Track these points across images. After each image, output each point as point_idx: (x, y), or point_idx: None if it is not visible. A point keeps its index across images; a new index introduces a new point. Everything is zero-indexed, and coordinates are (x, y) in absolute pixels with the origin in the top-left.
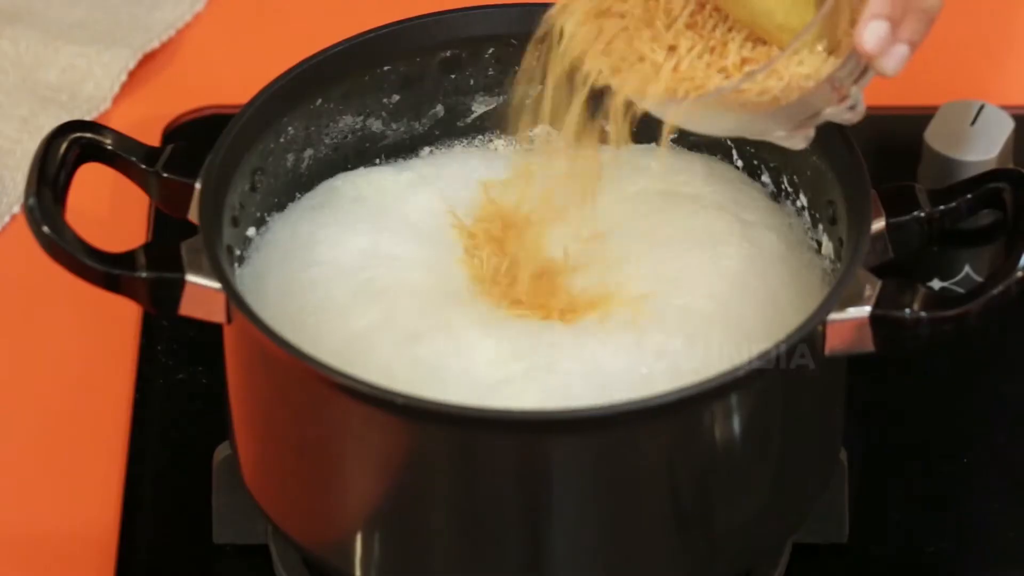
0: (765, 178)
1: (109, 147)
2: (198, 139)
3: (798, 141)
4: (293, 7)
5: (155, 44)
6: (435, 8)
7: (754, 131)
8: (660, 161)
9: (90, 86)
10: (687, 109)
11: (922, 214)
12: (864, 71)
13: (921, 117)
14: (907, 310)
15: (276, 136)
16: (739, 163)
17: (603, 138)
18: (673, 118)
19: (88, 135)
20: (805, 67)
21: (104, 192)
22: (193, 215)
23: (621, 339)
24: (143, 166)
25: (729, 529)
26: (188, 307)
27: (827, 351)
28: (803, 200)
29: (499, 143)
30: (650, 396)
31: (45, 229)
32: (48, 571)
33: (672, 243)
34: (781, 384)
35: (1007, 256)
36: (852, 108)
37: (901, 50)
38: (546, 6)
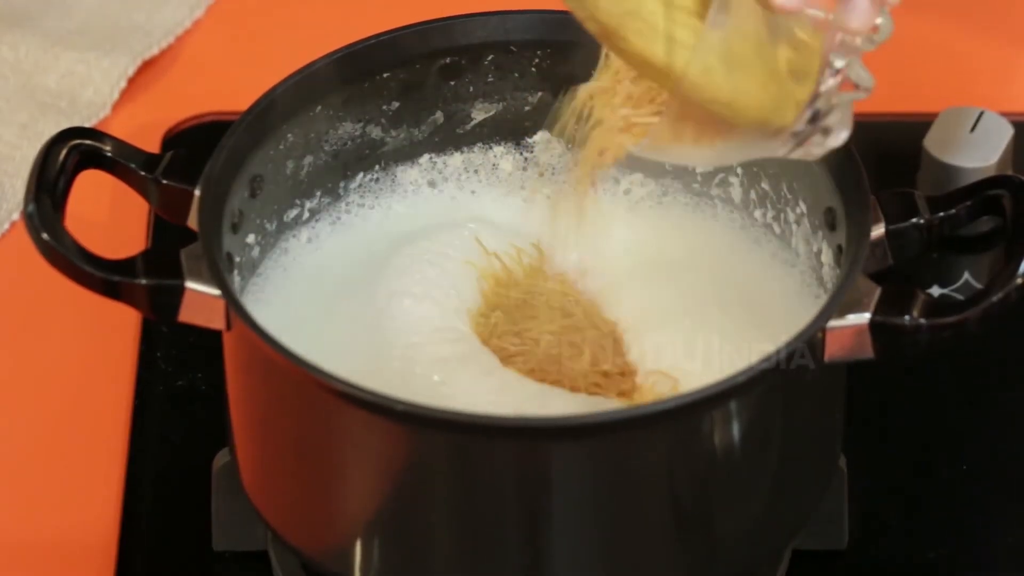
0: (765, 184)
1: (108, 154)
2: (198, 146)
3: (834, 138)
4: (293, 14)
5: (155, 51)
6: (434, 15)
7: (773, 148)
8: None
9: (90, 92)
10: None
11: (921, 221)
12: (843, 44)
13: (920, 124)
14: (906, 317)
15: (275, 143)
16: (739, 170)
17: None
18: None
19: (87, 142)
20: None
21: (103, 199)
22: (193, 222)
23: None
24: (142, 173)
25: (729, 535)
26: (187, 314)
27: (826, 358)
28: (802, 207)
29: (499, 149)
30: (649, 403)
31: (44, 236)
32: None
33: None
34: (780, 391)
35: (1006, 263)
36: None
37: (860, 3)
38: (545, 12)
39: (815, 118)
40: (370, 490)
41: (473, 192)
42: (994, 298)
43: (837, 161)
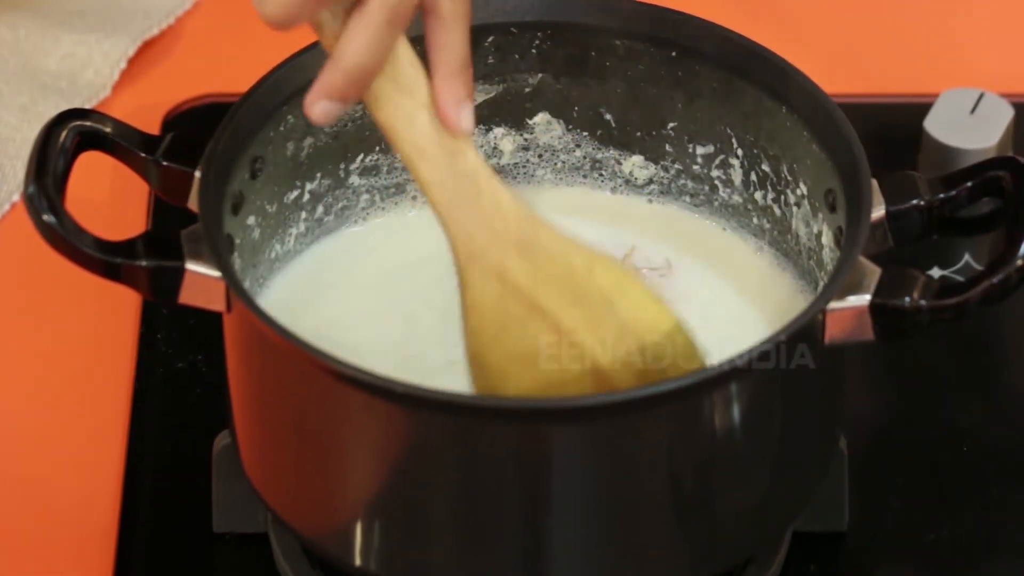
0: (765, 166)
1: (109, 135)
2: (198, 127)
3: None
4: None
5: (155, 31)
6: None
7: None
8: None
9: (90, 73)
10: None
11: (922, 202)
12: None
13: (921, 105)
14: (907, 299)
15: (276, 124)
16: (739, 151)
17: None
18: None
19: (88, 123)
20: None
21: (104, 180)
22: (193, 203)
23: None
24: (143, 154)
25: (729, 517)
26: (188, 295)
27: (827, 340)
28: (803, 188)
29: (499, 131)
30: (650, 385)
31: (45, 217)
32: (48, 559)
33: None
34: (781, 373)
35: (1007, 244)
36: None
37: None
38: None
39: None
40: (370, 472)
41: None
42: (994, 280)
43: (838, 143)
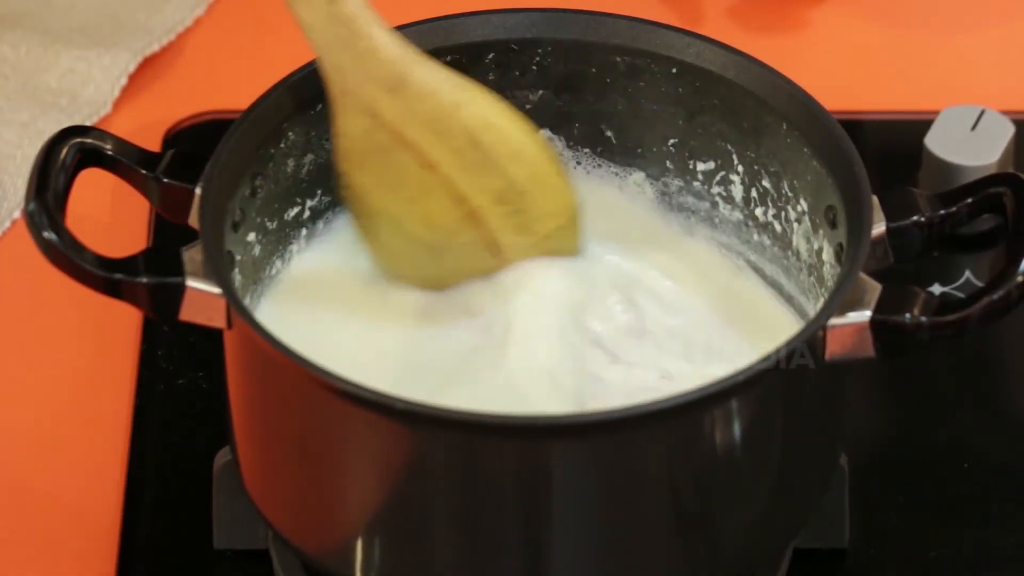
0: (766, 182)
1: (109, 152)
2: (198, 144)
3: None
4: None
5: (155, 48)
6: (435, 13)
7: None
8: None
9: (90, 90)
10: None
11: (922, 219)
12: None
13: (921, 122)
14: (907, 315)
15: (277, 141)
16: (740, 168)
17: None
18: None
19: (88, 140)
20: None
21: (104, 197)
22: (193, 220)
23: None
24: (143, 171)
25: (730, 534)
26: (188, 312)
27: (827, 356)
28: (803, 205)
29: None
30: (651, 401)
31: (46, 234)
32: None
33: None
34: (781, 389)
35: (1007, 261)
36: None
37: None
38: (546, 11)
39: None
40: (371, 489)
41: None
42: (995, 296)
43: (838, 160)
